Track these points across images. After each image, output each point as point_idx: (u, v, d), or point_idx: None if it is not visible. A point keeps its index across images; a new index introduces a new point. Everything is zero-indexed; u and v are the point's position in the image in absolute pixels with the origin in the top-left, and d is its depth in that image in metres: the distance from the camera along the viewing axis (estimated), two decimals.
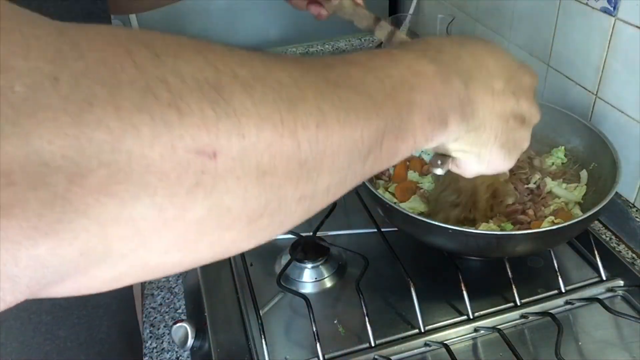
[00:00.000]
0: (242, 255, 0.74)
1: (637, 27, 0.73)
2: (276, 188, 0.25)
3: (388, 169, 0.82)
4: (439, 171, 0.44)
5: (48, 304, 0.60)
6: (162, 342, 0.69)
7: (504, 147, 0.44)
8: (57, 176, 0.19)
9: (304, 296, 0.65)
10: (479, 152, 0.42)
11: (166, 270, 0.26)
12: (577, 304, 0.68)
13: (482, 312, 0.67)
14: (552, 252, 0.70)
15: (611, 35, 0.77)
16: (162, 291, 0.76)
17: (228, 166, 0.23)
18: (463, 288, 0.66)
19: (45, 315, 0.59)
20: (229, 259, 0.77)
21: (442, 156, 0.44)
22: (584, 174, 0.78)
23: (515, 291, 0.68)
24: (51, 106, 0.19)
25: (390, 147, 0.33)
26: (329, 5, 0.73)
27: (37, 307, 0.59)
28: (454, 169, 0.45)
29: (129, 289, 0.79)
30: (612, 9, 0.76)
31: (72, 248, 0.20)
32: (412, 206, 0.76)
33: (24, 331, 0.57)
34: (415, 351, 0.64)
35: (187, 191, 0.22)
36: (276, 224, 0.28)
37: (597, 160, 0.76)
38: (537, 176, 0.78)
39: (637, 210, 0.79)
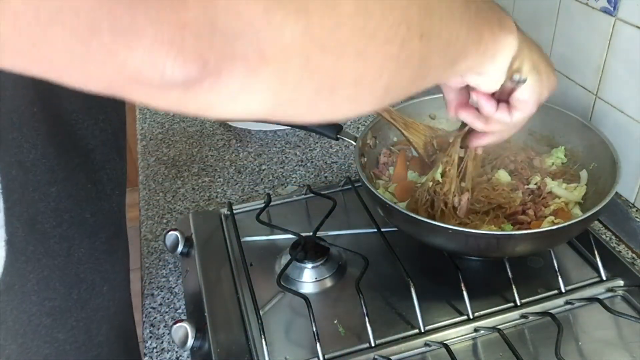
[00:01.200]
0: (242, 255, 0.74)
1: (637, 27, 0.73)
2: (403, 8, 0.30)
3: (387, 169, 0.82)
4: (517, 76, 0.49)
5: (48, 305, 0.60)
6: (162, 342, 0.69)
7: (548, 64, 0.51)
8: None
9: (304, 296, 0.65)
10: (536, 65, 0.49)
11: (318, 88, 0.28)
12: (577, 304, 0.68)
13: (482, 312, 0.67)
14: (552, 252, 0.70)
15: (611, 35, 0.77)
16: (162, 291, 0.76)
17: None
18: (463, 288, 0.66)
19: (45, 318, 0.59)
20: (229, 258, 0.77)
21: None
22: (584, 174, 0.78)
23: (515, 291, 0.68)
24: None
25: (476, 23, 0.40)
26: None
27: (37, 309, 0.59)
28: (519, 101, 0.51)
29: (127, 293, 0.79)
30: (612, 9, 0.76)
31: (260, 2, 0.23)
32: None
33: (23, 333, 0.57)
34: (415, 351, 0.64)
35: None
36: (403, 59, 0.31)
37: (597, 160, 0.76)
38: (538, 177, 0.78)
39: (637, 210, 0.79)
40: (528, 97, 0.50)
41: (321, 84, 0.28)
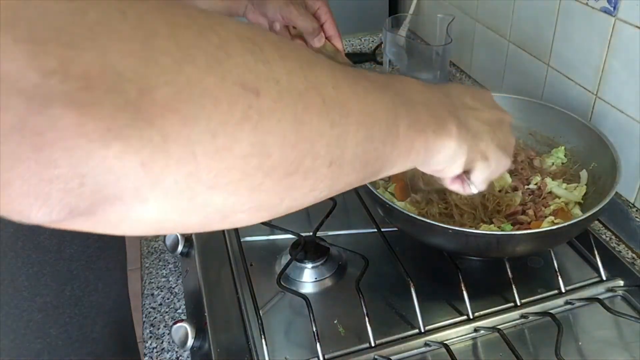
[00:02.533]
0: (242, 255, 0.74)
1: (637, 27, 0.73)
2: (310, 143, 0.29)
3: None
4: (473, 189, 0.50)
5: (40, 301, 0.60)
6: (162, 342, 0.69)
7: (500, 146, 0.49)
8: (129, 85, 0.21)
9: (304, 296, 0.65)
10: (484, 154, 0.47)
11: (205, 216, 0.28)
12: (577, 304, 0.68)
13: (482, 312, 0.67)
14: (552, 252, 0.70)
15: (611, 35, 0.77)
16: (162, 291, 0.76)
17: (269, 106, 0.26)
18: (463, 288, 0.66)
19: (36, 314, 0.59)
20: (229, 258, 0.77)
21: (464, 174, 0.49)
22: (584, 174, 0.78)
23: (515, 291, 0.68)
24: (122, 32, 0.21)
25: (406, 137, 0.38)
26: (311, 44, 0.80)
27: (28, 304, 0.59)
28: (470, 187, 0.51)
29: (124, 289, 0.79)
30: (612, 9, 0.76)
31: (137, 156, 0.22)
32: (407, 206, 0.76)
33: (15, 329, 0.57)
34: (415, 351, 0.64)
35: (236, 122, 0.25)
36: (308, 185, 0.30)
37: (597, 160, 0.76)
38: (538, 177, 0.78)
39: (637, 210, 0.79)
40: (476, 179, 0.49)
41: (211, 214, 0.28)
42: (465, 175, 0.49)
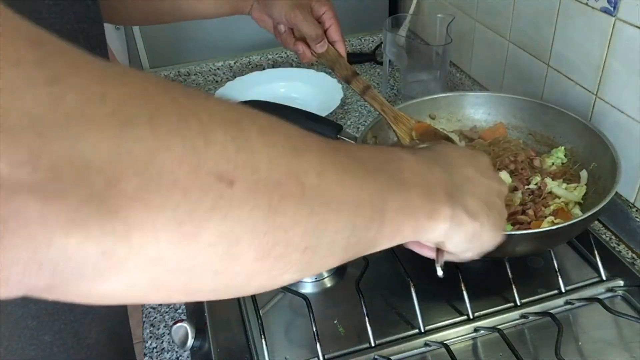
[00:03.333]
0: None
1: (637, 27, 0.73)
2: (283, 231, 0.28)
3: None
4: (439, 271, 0.50)
5: (34, 308, 0.60)
6: (162, 342, 0.69)
7: (494, 225, 0.47)
8: (97, 177, 0.21)
9: (304, 296, 0.65)
10: (478, 234, 0.46)
11: (169, 293, 0.28)
12: (577, 304, 0.68)
13: (482, 312, 0.67)
14: (552, 252, 0.70)
15: (611, 35, 0.77)
16: None
17: (243, 197, 0.25)
18: (463, 288, 0.66)
19: (30, 320, 0.59)
20: None
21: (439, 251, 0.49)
22: (584, 174, 0.78)
23: (515, 291, 0.68)
24: (97, 118, 0.21)
25: (393, 220, 0.37)
26: (314, 49, 0.80)
27: (22, 311, 0.59)
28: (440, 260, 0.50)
29: None
30: (612, 9, 0.76)
31: (98, 246, 0.22)
32: None
33: (8, 336, 0.57)
34: (415, 351, 0.64)
35: (205, 211, 0.24)
36: (278, 269, 0.30)
37: (597, 160, 0.76)
38: (538, 177, 0.78)
39: (637, 210, 0.79)
40: (457, 253, 0.48)
41: (171, 293, 0.28)
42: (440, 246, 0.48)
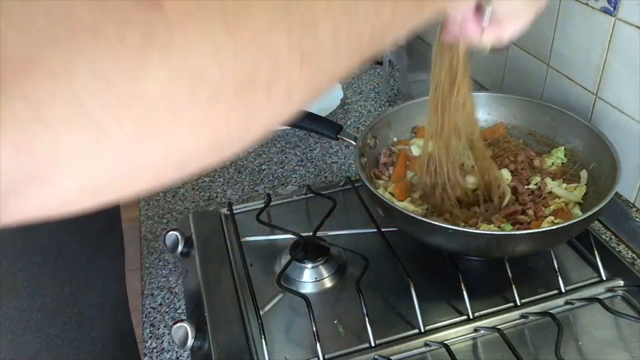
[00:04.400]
0: (242, 255, 0.74)
1: (637, 27, 0.73)
2: (260, 42, 0.20)
3: (387, 169, 0.82)
4: (488, 17, 0.41)
5: (39, 301, 0.60)
6: (162, 342, 0.69)
7: None
8: None
9: (304, 296, 0.65)
10: None
11: (150, 172, 0.21)
12: (577, 304, 0.68)
13: (482, 312, 0.67)
14: (552, 252, 0.70)
15: (611, 35, 0.77)
16: (162, 291, 0.76)
17: (181, 14, 0.19)
18: (463, 288, 0.66)
19: (35, 313, 0.59)
20: (229, 258, 0.77)
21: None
22: (584, 174, 0.78)
23: (515, 291, 0.68)
24: None
25: None
26: None
27: (27, 305, 0.59)
28: (504, 23, 0.42)
29: (122, 289, 0.79)
30: (612, 9, 0.76)
31: (3, 141, 0.17)
32: (407, 205, 0.76)
33: (13, 329, 0.57)
34: (415, 351, 0.64)
35: (135, 50, 0.18)
36: (279, 98, 0.22)
37: (597, 160, 0.76)
38: (538, 177, 0.78)
39: (637, 210, 0.79)
40: (511, 11, 0.41)
41: (156, 169, 0.22)
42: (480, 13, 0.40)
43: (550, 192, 0.76)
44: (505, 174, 0.78)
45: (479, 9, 0.41)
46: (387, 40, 0.28)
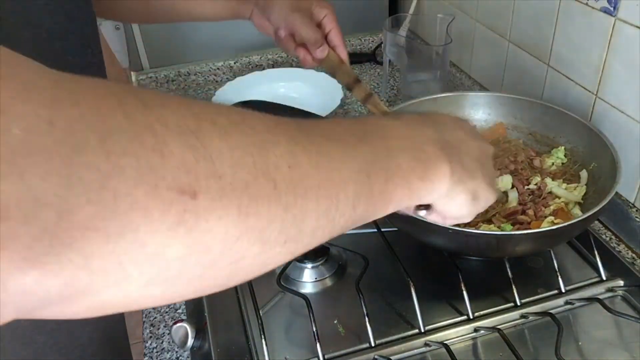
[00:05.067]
0: None
1: (637, 27, 0.73)
2: (258, 231, 0.27)
3: None
4: (423, 213, 0.48)
5: None
6: (162, 342, 0.69)
7: (489, 183, 0.47)
8: (48, 212, 0.20)
9: (304, 296, 0.65)
10: (475, 193, 0.45)
11: (147, 303, 0.27)
12: (577, 304, 0.68)
13: (482, 312, 0.67)
14: (552, 252, 0.70)
15: (611, 35, 0.77)
16: None
17: (209, 206, 0.24)
18: (463, 288, 0.66)
19: (23, 321, 0.58)
20: None
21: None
22: (584, 174, 0.78)
23: (515, 291, 0.68)
24: (46, 148, 0.20)
25: (383, 191, 0.36)
26: (314, 55, 0.77)
27: None
28: (447, 220, 0.49)
29: None
30: (612, 9, 0.76)
31: (58, 279, 0.21)
32: None
33: (1, 337, 0.57)
34: (415, 351, 0.64)
35: (168, 228, 0.23)
36: (259, 265, 0.29)
37: (597, 160, 0.76)
38: (538, 177, 0.78)
39: (637, 210, 0.79)
40: (454, 215, 0.47)
41: (153, 301, 0.27)
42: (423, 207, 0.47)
43: (550, 192, 0.76)
44: (507, 179, 0.77)
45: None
46: (354, 226, 0.35)
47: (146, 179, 0.22)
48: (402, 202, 0.38)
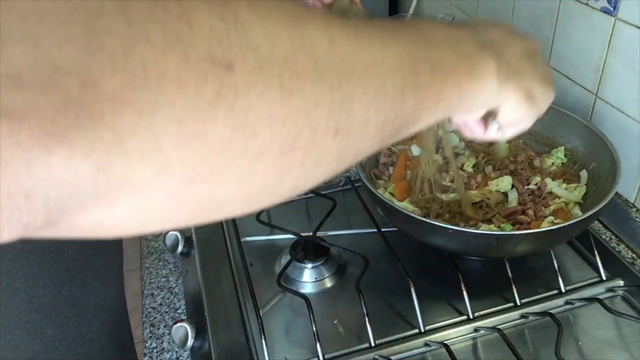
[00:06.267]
0: (242, 255, 0.74)
1: (637, 27, 0.73)
2: (305, 113, 0.24)
3: (387, 169, 0.82)
4: (494, 127, 0.44)
5: (37, 302, 0.60)
6: (162, 342, 0.69)
7: (543, 79, 0.43)
8: (69, 80, 0.18)
9: (304, 296, 0.65)
10: (530, 91, 0.41)
11: (194, 209, 0.24)
12: (577, 304, 0.68)
13: (482, 312, 0.67)
14: (552, 252, 0.70)
15: (611, 35, 0.77)
16: (162, 291, 0.76)
17: (247, 79, 0.22)
18: (463, 288, 0.66)
19: (34, 314, 0.59)
20: (229, 258, 0.77)
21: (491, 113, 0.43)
22: (584, 174, 0.78)
23: (515, 291, 0.68)
24: (58, 14, 0.18)
25: (430, 84, 0.33)
26: None
27: (26, 305, 0.59)
28: (506, 128, 0.45)
29: (120, 290, 0.79)
30: (612, 9, 0.76)
31: (87, 160, 0.19)
32: (407, 205, 0.76)
33: (12, 330, 0.57)
34: (415, 351, 0.64)
35: (208, 103, 0.21)
36: (311, 162, 0.26)
37: (597, 160, 0.76)
38: (538, 177, 0.78)
39: (637, 210, 0.79)
40: (513, 121, 0.44)
41: (199, 207, 0.24)
42: (490, 118, 0.43)
43: (550, 192, 0.76)
44: (507, 180, 0.77)
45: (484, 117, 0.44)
46: (404, 129, 0.33)
47: (175, 47, 0.20)
48: (451, 101, 0.35)
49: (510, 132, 0.45)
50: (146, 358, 0.67)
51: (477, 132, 0.45)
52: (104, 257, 0.72)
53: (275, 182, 0.26)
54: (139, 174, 0.21)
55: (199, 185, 0.23)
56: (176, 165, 0.21)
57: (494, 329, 0.65)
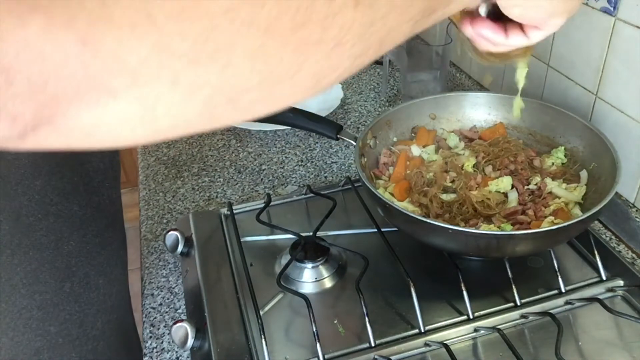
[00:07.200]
0: (242, 255, 0.74)
1: (637, 27, 0.73)
2: None
3: (387, 169, 0.82)
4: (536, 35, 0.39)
5: (39, 299, 0.59)
6: (162, 342, 0.69)
7: None
8: None
9: (304, 296, 0.65)
10: None
11: (207, 101, 0.21)
12: (577, 304, 0.68)
13: (482, 312, 0.67)
14: (552, 252, 0.70)
15: (611, 35, 0.77)
16: (162, 291, 0.76)
17: None
18: (463, 288, 0.66)
19: (36, 311, 0.59)
20: (229, 258, 0.77)
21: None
22: (584, 174, 0.78)
23: (515, 291, 0.68)
24: None
25: None
26: None
27: (27, 302, 0.59)
28: (531, 28, 0.39)
29: (125, 286, 0.79)
30: (612, 9, 0.76)
31: (70, 32, 0.17)
32: (407, 205, 0.76)
33: (14, 327, 0.57)
34: (415, 351, 0.64)
35: None
36: (330, 39, 0.22)
37: (597, 160, 0.76)
38: (538, 177, 0.78)
39: (637, 210, 0.79)
40: (538, 15, 0.38)
41: (211, 98, 0.21)
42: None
43: (550, 192, 0.76)
44: (507, 180, 0.77)
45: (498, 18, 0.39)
46: (428, 18, 0.28)
47: None
48: None
49: (536, 34, 0.40)
50: (146, 358, 0.67)
51: (497, 39, 0.40)
52: (106, 252, 0.72)
53: (292, 67, 0.22)
54: (133, 52, 0.18)
55: (206, 68, 0.20)
56: (175, 40, 0.19)
57: (494, 329, 0.65)
